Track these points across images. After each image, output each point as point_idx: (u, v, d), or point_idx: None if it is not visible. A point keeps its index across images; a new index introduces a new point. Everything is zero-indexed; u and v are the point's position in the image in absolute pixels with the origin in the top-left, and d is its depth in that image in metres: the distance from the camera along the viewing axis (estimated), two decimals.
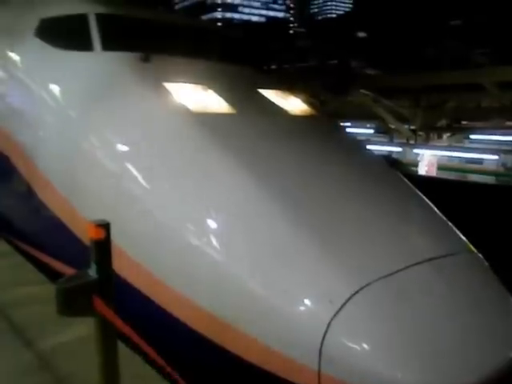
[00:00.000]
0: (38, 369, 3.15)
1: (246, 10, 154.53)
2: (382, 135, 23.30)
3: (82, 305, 2.25)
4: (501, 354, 3.26)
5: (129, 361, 3.01)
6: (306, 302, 3.25)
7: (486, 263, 4.12)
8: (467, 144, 21.97)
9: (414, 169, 19.80)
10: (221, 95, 4.96)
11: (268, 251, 3.50)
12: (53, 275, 4.58)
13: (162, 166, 4.18)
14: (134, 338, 2.12)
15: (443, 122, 19.53)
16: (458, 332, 3.24)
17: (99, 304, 2.22)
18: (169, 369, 2.01)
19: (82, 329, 3.52)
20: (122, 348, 2.72)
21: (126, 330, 2.12)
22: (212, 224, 3.83)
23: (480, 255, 4.18)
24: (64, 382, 3.02)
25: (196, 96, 4.89)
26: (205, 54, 5.90)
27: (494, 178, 21.44)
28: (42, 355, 3.29)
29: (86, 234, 4.11)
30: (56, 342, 3.46)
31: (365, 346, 3.01)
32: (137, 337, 2.11)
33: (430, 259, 3.66)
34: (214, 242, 3.66)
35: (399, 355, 2.99)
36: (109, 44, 5.29)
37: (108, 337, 2.38)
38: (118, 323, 2.17)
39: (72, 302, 2.26)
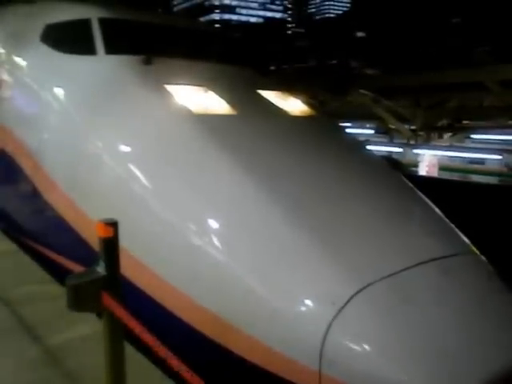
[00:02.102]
0: (44, 364, 3.21)
1: (244, 12, 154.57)
2: (382, 135, 23.28)
3: (91, 300, 2.34)
4: (505, 356, 3.23)
5: (132, 358, 3.06)
6: (308, 302, 3.27)
7: (489, 264, 4.10)
8: (469, 144, 21.88)
9: (414, 169, 19.77)
10: (222, 97, 5.02)
11: (270, 253, 3.53)
12: (54, 272, 4.65)
13: (164, 168, 4.23)
14: (142, 333, 2.19)
15: (444, 122, 19.50)
16: (461, 334, 3.22)
17: (107, 299, 2.30)
18: (178, 363, 2.07)
19: (87, 326, 3.59)
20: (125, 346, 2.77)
21: (134, 324, 2.19)
22: (214, 225, 3.88)
23: (483, 256, 4.17)
24: (70, 377, 3.08)
25: (197, 97, 4.95)
26: (205, 56, 5.97)
27: (496, 178, 21.36)
28: (48, 351, 3.35)
29: (90, 233, 4.20)
30: (62, 338, 3.51)
31: (365, 346, 3.02)
32: (144, 331, 2.17)
33: (432, 260, 3.65)
34: (216, 243, 3.70)
35: (400, 356, 2.98)
36: (112, 47, 5.38)
37: (115, 331, 2.45)
38: (126, 317, 2.24)
39: (82, 298, 2.35)
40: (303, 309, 3.26)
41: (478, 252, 4.21)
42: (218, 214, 3.89)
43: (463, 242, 4.27)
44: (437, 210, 4.63)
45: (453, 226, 4.45)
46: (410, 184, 4.97)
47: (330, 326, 3.03)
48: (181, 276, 3.71)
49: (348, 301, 3.11)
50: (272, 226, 3.66)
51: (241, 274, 3.46)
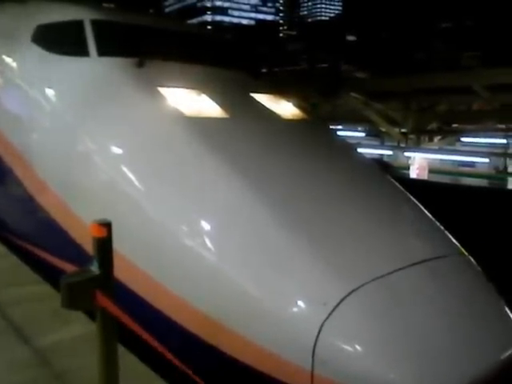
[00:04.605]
0: (35, 364, 3.22)
1: (236, 13, 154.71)
2: (373, 138, 23.44)
3: (84, 298, 2.38)
4: (492, 354, 3.32)
5: (123, 359, 3.08)
6: (300, 304, 3.32)
7: (477, 265, 4.19)
8: (458, 147, 22.12)
9: (405, 172, 19.91)
10: (214, 99, 5.05)
11: (263, 254, 3.57)
12: (44, 272, 4.66)
13: (156, 170, 4.25)
14: (135, 329, 2.23)
15: (434, 125, 19.68)
16: (450, 333, 3.30)
17: (101, 297, 2.34)
18: (170, 357, 2.11)
19: (78, 327, 3.62)
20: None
21: (127, 320, 2.23)
22: (206, 227, 3.91)
23: (471, 258, 4.25)
24: (61, 378, 3.09)
25: (190, 100, 4.98)
26: (198, 59, 6.00)
27: (485, 180, 21.58)
28: (38, 352, 3.36)
29: (80, 233, 4.22)
30: (53, 339, 3.53)
31: (357, 347, 3.07)
32: (137, 327, 2.22)
33: (422, 261, 3.72)
34: (209, 244, 3.73)
35: (391, 356, 3.04)
36: (104, 50, 5.38)
37: (109, 330, 2.48)
38: (119, 314, 2.28)
39: (76, 296, 2.39)
40: (296, 310, 3.30)
41: (466, 253, 4.29)
42: (210, 216, 3.92)
43: (452, 243, 4.36)
44: (426, 211, 4.70)
45: (442, 227, 4.53)
46: (400, 187, 5.05)
47: (322, 326, 3.08)
48: (173, 277, 3.74)
49: (340, 302, 3.16)
50: (265, 227, 3.70)
51: (234, 275, 3.50)
